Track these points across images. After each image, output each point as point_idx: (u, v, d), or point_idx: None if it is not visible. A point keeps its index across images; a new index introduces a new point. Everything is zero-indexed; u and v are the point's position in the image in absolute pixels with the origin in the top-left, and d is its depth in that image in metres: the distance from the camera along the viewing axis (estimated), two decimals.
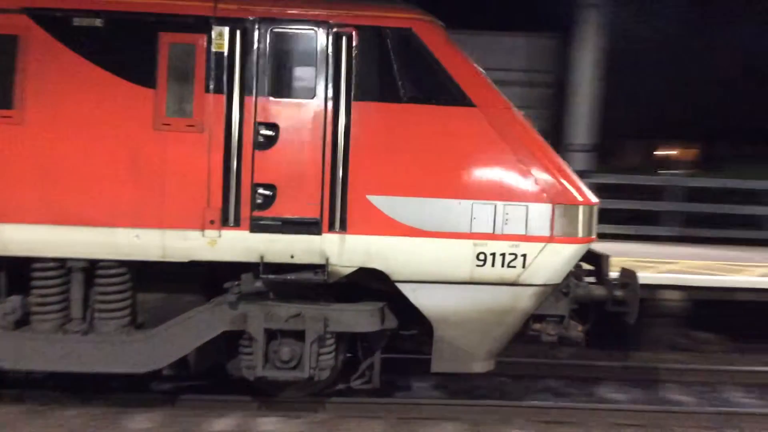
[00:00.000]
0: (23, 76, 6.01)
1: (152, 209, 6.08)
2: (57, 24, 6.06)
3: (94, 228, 6.06)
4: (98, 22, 6.10)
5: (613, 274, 7.09)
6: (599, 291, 6.90)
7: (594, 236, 6.62)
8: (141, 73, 6.08)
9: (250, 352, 6.48)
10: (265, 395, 7.04)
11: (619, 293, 6.86)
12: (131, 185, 6.06)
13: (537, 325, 6.77)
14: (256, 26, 6.20)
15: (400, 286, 6.37)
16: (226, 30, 6.18)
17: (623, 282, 6.96)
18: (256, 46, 6.18)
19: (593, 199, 6.54)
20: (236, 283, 6.35)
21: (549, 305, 6.70)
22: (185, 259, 6.20)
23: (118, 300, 6.43)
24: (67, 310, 6.41)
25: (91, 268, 6.34)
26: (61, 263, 6.27)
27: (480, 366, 6.68)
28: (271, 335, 6.42)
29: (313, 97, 6.21)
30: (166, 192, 6.08)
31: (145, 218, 6.07)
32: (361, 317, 6.48)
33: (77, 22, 6.08)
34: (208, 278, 6.53)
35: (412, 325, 6.86)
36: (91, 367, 6.32)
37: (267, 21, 6.22)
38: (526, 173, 6.36)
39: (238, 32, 6.16)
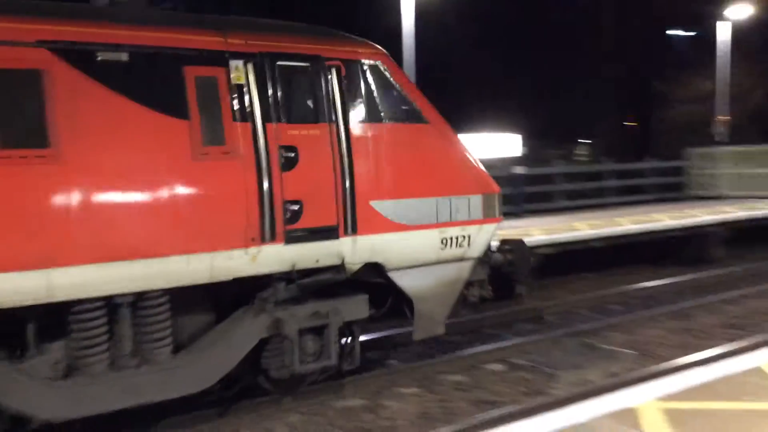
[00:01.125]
0: (55, 113, 5.70)
1: (200, 234, 6.25)
2: (81, 57, 5.87)
3: (145, 260, 6.01)
4: (125, 57, 6.08)
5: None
6: (498, 257, 8.52)
7: (502, 216, 8.34)
8: (174, 105, 6.21)
9: (278, 354, 7.01)
10: (282, 393, 7.53)
11: (511, 257, 8.60)
12: (178, 214, 6.16)
13: (465, 291, 8.13)
14: (263, 60, 6.70)
15: (390, 273, 7.39)
16: (241, 63, 6.60)
17: (513, 249, 8.69)
18: (267, 77, 6.68)
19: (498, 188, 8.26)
20: (267, 293, 6.83)
21: (476, 273, 8.14)
22: (229, 278, 6.48)
23: (165, 327, 6.42)
24: (114, 347, 6.24)
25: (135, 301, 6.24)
26: (107, 301, 6.08)
27: (442, 328, 8.01)
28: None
29: (319, 122, 6.94)
30: (210, 217, 6.31)
31: (194, 244, 6.22)
32: (361, 307, 7.39)
33: (104, 56, 6.01)
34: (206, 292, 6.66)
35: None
36: (151, 397, 6.32)
37: (270, 55, 6.75)
38: (465, 172, 7.91)
39: (249, 65, 6.63)
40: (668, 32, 34.61)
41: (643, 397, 5.79)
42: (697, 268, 14.56)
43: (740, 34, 28.79)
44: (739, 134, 27.12)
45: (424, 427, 7.05)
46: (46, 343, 5.98)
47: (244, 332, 6.74)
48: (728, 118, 27.04)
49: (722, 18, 25.78)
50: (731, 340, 9.70)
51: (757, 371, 6.36)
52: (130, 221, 5.94)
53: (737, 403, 5.57)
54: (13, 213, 5.48)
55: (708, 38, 28.89)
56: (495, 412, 7.09)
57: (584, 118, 34.38)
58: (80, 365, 6.07)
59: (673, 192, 22.49)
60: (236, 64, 6.57)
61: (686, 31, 35.04)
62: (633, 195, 22.45)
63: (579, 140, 37.13)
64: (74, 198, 5.70)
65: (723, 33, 25.88)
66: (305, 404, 7.58)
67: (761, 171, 21.15)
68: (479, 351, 9.16)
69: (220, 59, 6.49)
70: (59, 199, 5.65)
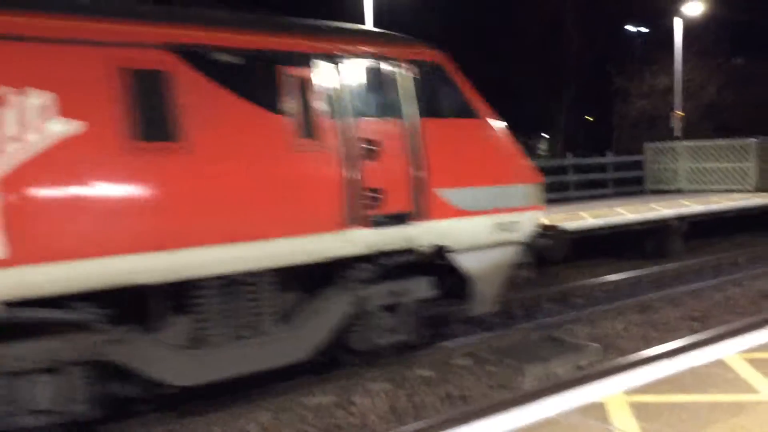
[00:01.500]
0: (178, 109, 6.36)
1: (300, 219, 6.97)
2: (198, 59, 6.53)
3: (257, 242, 6.70)
4: (236, 58, 6.76)
5: None
6: (540, 242, 9.19)
7: (544, 204, 9.17)
8: (274, 102, 6.92)
9: (361, 329, 7.87)
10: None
11: (550, 242, 9.34)
12: (283, 200, 6.85)
13: (513, 272, 8.96)
14: (344, 61, 7.45)
15: (453, 255, 8.18)
16: (325, 63, 7.32)
17: (552, 234, 9.44)
18: (347, 76, 7.43)
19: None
20: (351, 273, 7.59)
21: (523, 256, 8.97)
22: (323, 259, 7.20)
23: (272, 303, 7.17)
24: (231, 320, 6.93)
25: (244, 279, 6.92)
26: (227, 279, 6.79)
27: (495, 306, 8.94)
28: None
29: (393, 117, 7.69)
30: (308, 203, 7.02)
31: (296, 228, 6.94)
32: (427, 287, 8.29)
33: (217, 57, 6.67)
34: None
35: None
36: (262, 365, 7.12)
37: (350, 56, 7.50)
38: (514, 163, 8.72)
39: (333, 66, 7.35)
40: (626, 28, 35.15)
41: (610, 391, 5.87)
42: (657, 262, 14.85)
43: (694, 30, 29.44)
44: (693, 129, 27.76)
45: (394, 423, 7.06)
46: (177, 316, 6.69)
47: (334, 308, 7.57)
48: (682, 113, 27.66)
49: (679, 14, 26.28)
50: (694, 332, 9.93)
51: (721, 363, 6.48)
52: (244, 207, 6.61)
53: (703, 395, 5.67)
54: (151, 199, 6.12)
55: (662, 35, 29.47)
56: (463, 408, 7.14)
57: (545, 113, 34.82)
58: (204, 336, 6.80)
59: (633, 186, 22.90)
60: (320, 64, 7.29)
61: (640, 27, 35.64)
62: (594, 189, 22.83)
63: (542, 134, 37.59)
64: (200, 186, 6.38)
65: (679, 29, 26.39)
66: (275, 402, 7.53)
67: (717, 165, 21.65)
68: (447, 345, 9.19)
69: (308, 60, 7.21)
70: (188, 187, 6.32)
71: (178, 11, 7.08)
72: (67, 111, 5.82)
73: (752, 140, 20.88)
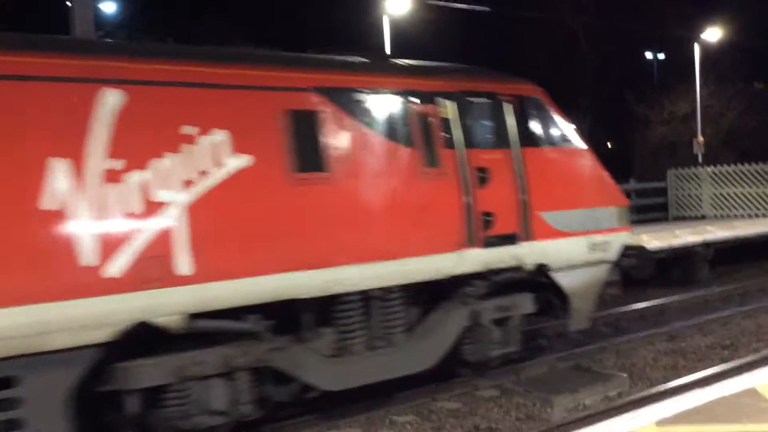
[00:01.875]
0: (328, 144, 7.21)
1: (426, 240, 7.75)
2: (341, 99, 7.43)
3: (391, 261, 7.50)
4: (368, 97, 7.64)
5: None
6: (626, 261, 9.80)
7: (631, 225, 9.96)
8: (405, 135, 7.76)
9: (474, 342, 8.49)
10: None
11: (635, 261, 9.98)
12: (412, 223, 7.64)
13: (603, 290, 9.50)
14: (459, 97, 8.27)
15: (552, 274, 8.86)
16: (444, 100, 8.15)
17: (637, 254, 10.11)
18: (462, 111, 8.23)
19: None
20: (468, 289, 8.26)
21: (612, 274, 9.59)
22: (445, 276, 7.98)
23: (401, 316, 7.91)
24: (368, 332, 7.68)
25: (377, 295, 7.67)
26: (363, 294, 7.49)
27: (589, 322, 9.56)
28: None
29: (500, 147, 8.50)
30: (433, 226, 7.80)
31: (422, 248, 7.72)
32: (530, 303, 8.90)
33: (356, 97, 7.56)
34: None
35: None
36: (395, 373, 7.83)
37: (464, 93, 8.35)
38: (606, 187, 9.56)
39: (450, 102, 8.16)
40: (644, 54, 35.22)
41: (641, 422, 5.79)
42: (684, 289, 14.67)
43: (713, 56, 29.42)
44: (713, 155, 27.57)
45: None
46: (324, 328, 7.40)
47: (454, 321, 8.23)
48: (703, 139, 27.53)
49: (698, 41, 26.31)
50: (724, 360, 9.77)
51: (752, 392, 6.38)
52: (380, 229, 7.42)
53: (736, 425, 5.58)
54: (306, 224, 6.94)
55: (680, 61, 29.45)
56: None
57: None
58: (346, 346, 7.50)
59: (656, 213, 22.71)
60: (441, 101, 8.12)
61: (658, 53, 35.70)
62: None
63: None
64: (344, 212, 7.19)
65: (697, 54, 26.40)
66: None
67: (741, 191, 21.44)
68: (474, 377, 9.11)
69: (432, 98, 8.06)
70: (335, 213, 7.13)
71: (324, 58, 8.20)
72: (241, 147, 6.69)
73: None
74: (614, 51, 31.84)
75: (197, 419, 6.57)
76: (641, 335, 11.12)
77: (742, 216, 20.90)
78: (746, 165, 21.54)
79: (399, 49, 19.29)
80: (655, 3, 30.87)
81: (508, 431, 7.59)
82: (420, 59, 9.20)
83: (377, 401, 8.28)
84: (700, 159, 26.49)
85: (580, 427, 6.10)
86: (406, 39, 23.76)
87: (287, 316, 7.12)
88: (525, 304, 8.87)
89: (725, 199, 21.75)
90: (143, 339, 6.28)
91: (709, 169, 22.64)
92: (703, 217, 21.69)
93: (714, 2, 29.97)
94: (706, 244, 15.76)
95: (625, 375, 9.05)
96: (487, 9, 21.42)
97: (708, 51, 28.15)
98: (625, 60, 33.22)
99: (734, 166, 21.91)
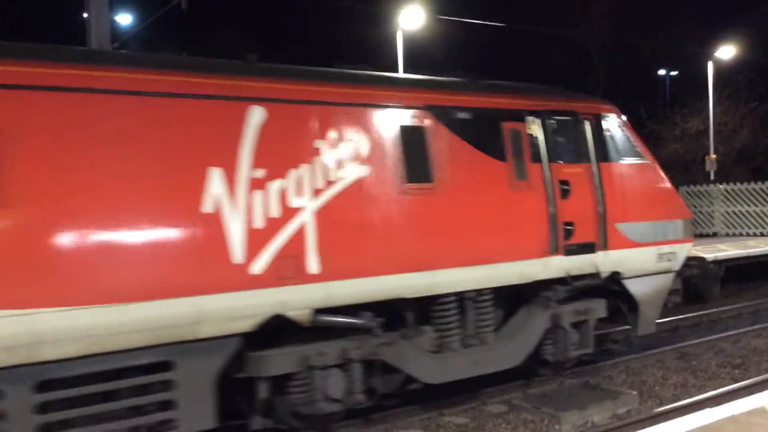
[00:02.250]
0: (433, 157, 7.93)
1: (516, 247, 8.47)
2: (444, 117, 8.16)
3: (485, 266, 8.21)
4: (467, 115, 8.37)
5: None
6: (687, 271, 10.68)
7: (693, 237, 10.73)
8: (498, 150, 8.46)
9: (554, 343, 9.08)
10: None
11: (695, 271, 11.04)
12: (503, 231, 8.36)
13: (667, 297, 10.30)
14: (545, 116, 9.00)
15: (624, 281, 9.52)
16: (532, 118, 8.91)
17: (697, 264, 11.12)
18: (547, 128, 8.97)
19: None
20: (549, 293, 8.91)
21: (675, 283, 10.36)
22: (529, 280, 8.68)
23: (492, 316, 8.60)
24: (463, 330, 8.35)
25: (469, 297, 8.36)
26: (459, 295, 8.19)
27: (654, 328, 10.29)
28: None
29: (580, 162, 9.24)
30: (522, 233, 8.53)
31: (512, 254, 8.43)
32: (603, 308, 9.55)
33: (457, 114, 8.28)
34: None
35: None
36: (487, 369, 8.50)
37: (549, 112, 9.10)
38: (672, 200, 10.32)
39: (537, 120, 8.92)
40: (657, 72, 35.21)
41: None
42: (695, 307, 14.57)
43: (726, 74, 29.36)
44: (726, 173, 27.46)
45: None
46: (425, 326, 8.12)
47: (537, 323, 8.89)
48: (715, 156, 27.42)
49: (711, 58, 26.28)
50: (734, 379, 9.70)
51: (762, 411, 6.35)
52: (477, 236, 8.10)
53: None
54: (414, 230, 7.69)
55: (693, 78, 29.41)
56: None
57: None
58: (445, 343, 8.15)
59: None
60: (530, 119, 8.89)
61: (671, 71, 35.67)
62: None
63: None
64: (447, 219, 7.88)
65: (711, 72, 26.37)
66: None
67: (753, 209, 21.36)
68: (482, 392, 9.09)
69: (521, 116, 8.82)
70: (438, 220, 7.83)
71: (430, 79, 8.99)
72: (358, 159, 7.47)
73: None
74: (626, 67, 31.85)
75: (317, 405, 7.21)
76: (652, 353, 11.07)
77: (755, 234, 20.79)
78: (759, 183, 21.45)
79: (412, 63, 19.40)
80: (668, 21, 30.90)
81: None
82: (433, 73, 9.38)
83: (383, 414, 8.28)
84: (712, 176, 26.38)
85: None
86: (419, 53, 23.88)
87: (393, 315, 7.88)
88: (599, 308, 9.51)
89: (737, 217, 21.66)
90: (266, 332, 6.91)
91: (722, 186, 22.55)
92: (715, 235, 21.59)
93: (728, 20, 30.01)
94: (717, 262, 15.65)
95: (634, 392, 9.00)
96: (501, 24, 21.50)
97: (721, 69, 28.10)
98: (638, 76, 33.21)
99: (747, 184, 21.83)
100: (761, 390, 7.55)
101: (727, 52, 26.73)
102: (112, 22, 14.33)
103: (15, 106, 5.77)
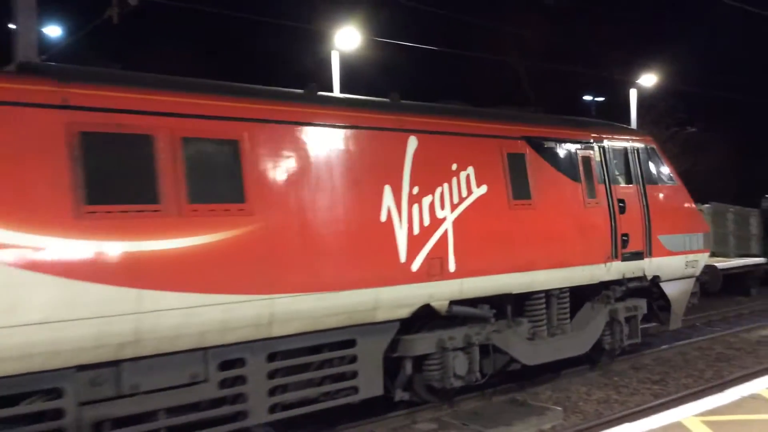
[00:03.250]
0: (531, 178, 9.76)
1: (588, 253, 10.35)
2: (537, 145, 10.05)
3: (567, 268, 10.09)
4: (552, 144, 10.27)
5: None
6: (703, 276, 13.00)
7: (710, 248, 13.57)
8: (574, 173, 10.43)
9: (611, 334, 11.08)
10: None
11: (707, 278, 13.72)
12: (580, 240, 10.23)
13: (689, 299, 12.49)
14: (607, 145, 11.13)
15: (661, 284, 11.68)
16: (597, 146, 10.96)
17: (708, 271, 13.64)
18: (607, 156, 11.04)
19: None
20: (609, 292, 10.88)
21: (695, 286, 12.59)
22: (597, 281, 10.59)
23: (567, 310, 10.48)
24: (548, 321, 10.17)
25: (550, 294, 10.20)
26: (547, 293, 10.06)
27: (680, 323, 12.52)
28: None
29: (632, 183, 11.34)
30: (593, 242, 10.40)
31: (586, 259, 10.30)
32: (645, 306, 11.62)
33: (546, 144, 10.20)
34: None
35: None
36: (566, 354, 10.38)
37: (609, 142, 11.21)
38: (696, 216, 12.70)
39: (600, 148, 10.97)
40: (583, 98, 36.35)
41: None
42: None
43: (648, 100, 30.58)
44: None
45: None
46: (523, 317, 9.90)
47: (600, 317, 10.84)
48: None
49: (634, 85, 27.36)
50: (654, 395, 10.07)
51: (679, 425, 6.62)
52: (562, 244, 9.97)
53: None
54: (517, 239, 9.44)
55: (618, 104, 30.51)
56: None
57: None
58: (537, 332, 9.98)
59: None
60: (596, 146, 10.93)
61: (597, 97, 36.88)
62: None
63: None
64: (541, 230, 9.71)
65: (634, 98, 27.44)
66: None
67: None
68: (411, 411, 9.16)
69: (590, 145, 10.85)
70: (535, 230, 9.64)
71: (526, 114, 11.01)
72: (481, 179, 9.18)
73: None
74: (555, 91, 32.81)
75: (447, 381, 8.87)
76: (577, 369, 11.36)
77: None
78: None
79: (349, 83, 19.51)
80: (594, 48, 32.03)
81: None
82: (368, 94, 9.55)
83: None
84: None
85: None
86: (355, 73, 24.03)
87: (502, 308, 9.61)
88: (643, 306, 11.61)
89: None
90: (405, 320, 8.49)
91: None
92: None
93: (650, 50, 31.30)
94: None
95: (559, 408, 9.25)
96: (434, 48, 21.86)
97: (644, 95, 29.28)
98: (566, 101, 34.23)
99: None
100: (678, 405, 7.85)
101: (649, 79, 27.88)
102: (41, 34, 13.93)
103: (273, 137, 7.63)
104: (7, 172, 5.98)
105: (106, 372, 6.50)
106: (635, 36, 35.21)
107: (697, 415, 6.88)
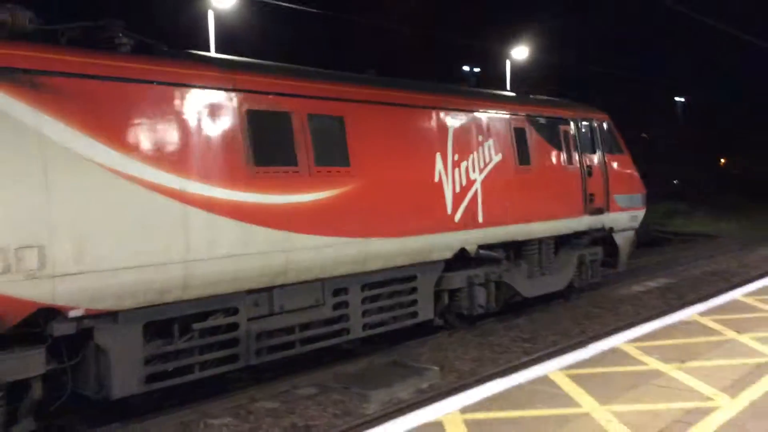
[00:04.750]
0: (530, 148, 12.43)
1: (568, 208, 13.12)
2: (533, 122, 12.76)
3: (554, 220, 12.80)
4: (544, 121, 13.00)
5: None
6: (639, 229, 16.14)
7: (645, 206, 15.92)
8: (558, 144, 13.16)
9: (579, 274, 13.95)
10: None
11: (640, 230, 16.44)
12: (564, 197, 13.00)
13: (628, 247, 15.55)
14: (578, 121, 13.88)
15: (613, 234, 14.46)
16: (572, 123, 13.72)
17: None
18: (578, 130, 13.79)
19: None
20: (578, 241, 13.80)
21: (635, 237, 15.80)
22: (572, 231, 13.34)
23: (551, 255, 13.08)
24: (538, 263, 12.80)
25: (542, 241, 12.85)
26: (539, 240, 12.69)
27: (625, 267, 15.56)
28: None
29: (595, 152, 14.10)
30: (570, 200, 13.16)
31: (567, 213, 13.07)
32: (601, 252, 14.51)
33: (539, 120, 12.91)
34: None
35: None
36: (550, 289, 13.17)
37: (580, 119, 13.96)
38: (637, 179, 15.34)
39: (573, 123, 13.70)
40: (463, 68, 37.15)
41: (448, 410, 6.18)
42: None
43: (523, 72, 31.72)
44: None
45: None
46: (522, 259, 12.40)
47: (573, 260, 13.65)
48: None
49: (509, 57, 28.23)
50: (525, 352, 10.59)
51: (545, 379, 7.01)
52: (552, 200, 12.63)
53: (531, 410, 6.12)
54: (522, 195, 12.04)
55: (494, 75, 31.47)
56: None
57: None
58: (532, 272, 12.60)
59: None
60: (571, 122, 13.67)
61: (474, 67, 37.83)
62: None
63: None
64: (537, 189, 12.39)
65: (508, 68, 28.35)
66: None
67: None
68: (293, 376, 9.20)
69: (568, 121, 13.60)
70: (532, 190, 12.27)
71: (527, 97, 13.65)
72: (497, 149, 11.74)
73: None
74: (433, 61, 33.31)
75: (473, 309, 11.47)
76: (454, 331, 11.75)
77: None
78: None
79: (225, 45, 18.97)
80: (473, 21, 32.77)
81: (325, 428, 7.74)
82: (246, 56, 9.74)
83: (193, 403, 8.14)
84: None
85: (392, 419, 6.36)
86: (232, 34, 23.41)
87: (509, 251, 12.10)
88: (600, 252, 14.46)
89: None
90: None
91: None
92: None
93: (524, 24, 32.37)
94: None
95: (437, 368, 9.55)
96: (313, 10, 21.58)
97: (518, 66, 30.29)
98: (444, 71, 34.86)
99: None
100: (545, 360, 8.30)
101: (521, 52, 28.86)
102: None
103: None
104: (203, 141, 7.81)
105: (264, 295, 8.49)
106: (509, 8, 36.29)
107: (561, 369, 7.31)
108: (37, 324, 6.70)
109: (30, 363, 6.58)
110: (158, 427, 7.61)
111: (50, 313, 6.70)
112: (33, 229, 6.47)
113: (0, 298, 6.28)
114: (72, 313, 6.73)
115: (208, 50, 17.82)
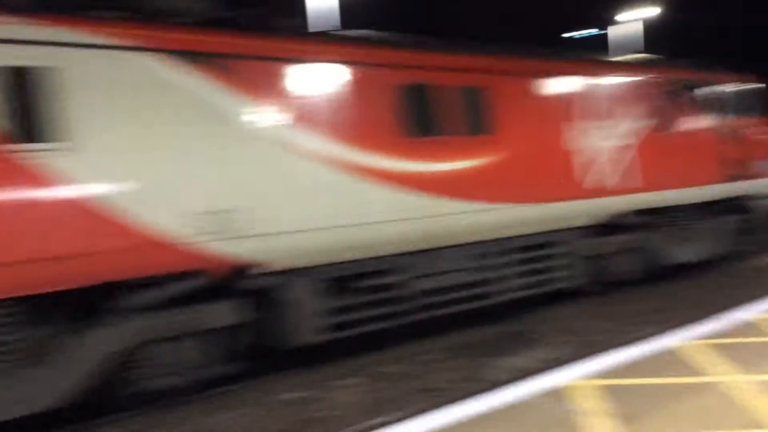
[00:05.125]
0: (672, 112, 12.45)
1: (710, 174, 12.96)
2: (686, 88, 12.88)
3: (698, 187, 12.73)
4: (684, 85, 12.73)
5: None
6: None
7: None
8: (702, 110, 13.02)
9: (721, 241, 13.55)
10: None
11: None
12: (705, 165, 12.93)
13: None
14: (712, 85, 13.38)
15: (753, 202, 13.98)
16: (711, 86, 13.31)
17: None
18: (717, 95, 13.41)
19: None
20: (718, 209, 13.27)
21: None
22: (713, 198, 13.09)
23: (695, 223, 12.97)
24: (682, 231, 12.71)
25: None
26: (674, 208, 12.45)
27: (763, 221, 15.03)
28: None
29: (739, 117, 13.76)
30: (711, 165, 13.00)
31: (706, 179, 12.94)
32: (740, 220, 13.92)
33: (679, 85, 12.72)
34: None
35: None
36: (695, 258, 12.98)
37: (714, 82, 13.48)
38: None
39: (712, 87, 13.33)
40: None
41: (576, 376, 6.14)
42: None
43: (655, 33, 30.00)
44: None
45: (370, 414, 7.18)
46: (665, 227, 12.42)
47: (713, 228, 13.40)
48: None
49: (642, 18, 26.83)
50: (658, 322, 10.20)
51: (670, 351, 6.79)
52: (691, 166, 12.55)
53: (665, 378, 6.01)
54: (656, 163, 11.95)
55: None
56: (436, 400, 7.28)
57: None
58: (671, 239, 12.52)
59: None
60: (712, 87, 13.32)
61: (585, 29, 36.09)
62: None
63: None
64: (676, 153, 12.29)
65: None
66: (246, 398, 7.62)
67: None
68: (420, 342, 9.40)
69: (708, 85, 13.27)
70: (665, 156, 12.14)
71: (664, 61, 13.27)
72: (644, 116, 11.95)
73: None
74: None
75: (613, 275, 11.71)
76: (577, 305, 11.45)
77: None
78: None
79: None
80: None
81: (453, 391, 7.79)
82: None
83: (323, 365, 8.48)
84: None
85: (521, 384, 6.38)
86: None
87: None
88: (740, 221, 13.93)
89: None
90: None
91: None
92: None
93: None
94: None
95: (564, 338, 9.39)
96: None
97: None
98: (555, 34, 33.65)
99: None
100: (679, 329, 7.99)
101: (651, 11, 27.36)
102: None
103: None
104: (365, 114, 8.48)
105: (425, 257, 9.07)
106: None
107: (697, 339, 7.07)
108: (230, 279, 7.55)
109: (227, 313, 7.51)
110: (297, 380, 7.98)
111: (244, 269, 7.56)
112: (245, 195, 7.44)
113: (214, 255, 7.16)
114: (263, 269, 7.64)
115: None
